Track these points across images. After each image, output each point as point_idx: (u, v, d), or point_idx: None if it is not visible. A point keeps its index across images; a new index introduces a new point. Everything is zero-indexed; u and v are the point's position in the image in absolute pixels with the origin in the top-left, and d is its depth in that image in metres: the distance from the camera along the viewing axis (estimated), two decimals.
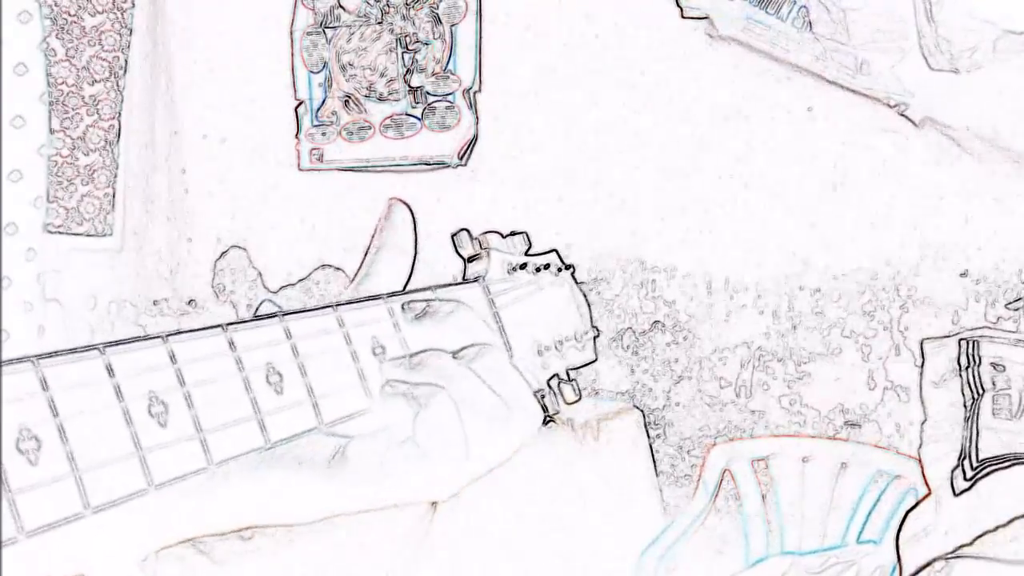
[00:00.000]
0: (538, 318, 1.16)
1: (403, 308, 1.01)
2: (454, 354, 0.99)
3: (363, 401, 0.94)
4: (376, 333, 0.97)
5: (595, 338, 1.28)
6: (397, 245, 1.08)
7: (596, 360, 1.29)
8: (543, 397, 1.12)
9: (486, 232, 1.18)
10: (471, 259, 1.15)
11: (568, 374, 1.19)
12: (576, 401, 1.17)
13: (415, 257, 1.08)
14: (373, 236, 1.11)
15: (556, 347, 1.17)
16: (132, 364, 0.75)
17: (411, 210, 1.12)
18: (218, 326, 0.83)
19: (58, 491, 0.69)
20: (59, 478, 0.69)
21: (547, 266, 1.21)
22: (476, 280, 1.12)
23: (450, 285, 1.09)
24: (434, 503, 1.15)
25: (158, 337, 0.78)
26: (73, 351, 0.72)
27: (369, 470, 0.90)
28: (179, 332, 0.80)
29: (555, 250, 1.28)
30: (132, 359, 0.75)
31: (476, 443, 0.95)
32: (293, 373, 0.87)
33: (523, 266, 1.17)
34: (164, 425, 0.76)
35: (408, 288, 1.06)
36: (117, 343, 0.75)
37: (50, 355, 0.71)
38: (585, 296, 1.28)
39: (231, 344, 0.83)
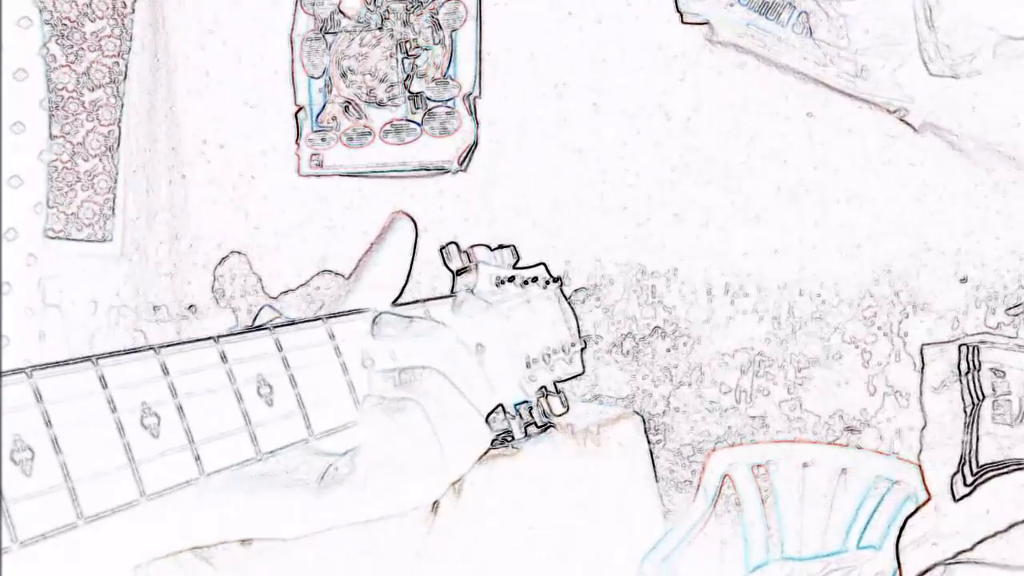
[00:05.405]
0: (526, 331, 1.16)
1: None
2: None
3: (352, 413, 0.94)
4: (366, 345, 0.97)
5: (582, 350, 1.28)
6: (389, 262, 1.06)
7: (584, 373, 1.28)
8: (531, 410, 1.12)
9: (474, 245, 1.18)
10: (459, 272, 1.15)
11: (556, 386, 1.18)
12: (564, 413, 1.17)
13: (408, 276, 1.07)
14: (371, 245, 1.10)
15: (544, 359, 1.17)
16: (125, 376, 0.75)
17: (415, 225, 1.10)
18: (209, 338, 0.83)
19: (52, 501, 0.70)
20: (53, 488, 0.70)
21: (535, 279, 1.21)
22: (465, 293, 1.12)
23: (439, 298, 1.09)
24: (435, 507, 1.15)
25: (150, 349, 0.78)
26: (66, 363, 0.73)
27: (357, 487, 0.90)
28: (171, 344, 0.80)
29: (543, 263, 1.28)
30: (125, 371, 0.76)
31: (450, 446, 0.95)
32: (283, 385, 0.88)
33: (511, 279, 1.17)
34: (156, 436, 0.76)
35: (401, 301, 1.06)
36: (110, 355, 0.75)
37: (44, 367, 0.71)
38: (573, 309, 1.28)
39: (222, 356, 0.83)
